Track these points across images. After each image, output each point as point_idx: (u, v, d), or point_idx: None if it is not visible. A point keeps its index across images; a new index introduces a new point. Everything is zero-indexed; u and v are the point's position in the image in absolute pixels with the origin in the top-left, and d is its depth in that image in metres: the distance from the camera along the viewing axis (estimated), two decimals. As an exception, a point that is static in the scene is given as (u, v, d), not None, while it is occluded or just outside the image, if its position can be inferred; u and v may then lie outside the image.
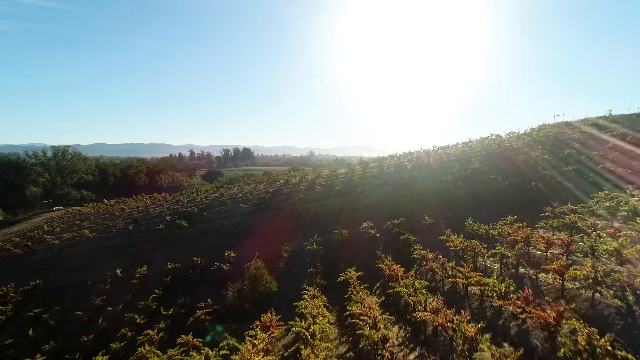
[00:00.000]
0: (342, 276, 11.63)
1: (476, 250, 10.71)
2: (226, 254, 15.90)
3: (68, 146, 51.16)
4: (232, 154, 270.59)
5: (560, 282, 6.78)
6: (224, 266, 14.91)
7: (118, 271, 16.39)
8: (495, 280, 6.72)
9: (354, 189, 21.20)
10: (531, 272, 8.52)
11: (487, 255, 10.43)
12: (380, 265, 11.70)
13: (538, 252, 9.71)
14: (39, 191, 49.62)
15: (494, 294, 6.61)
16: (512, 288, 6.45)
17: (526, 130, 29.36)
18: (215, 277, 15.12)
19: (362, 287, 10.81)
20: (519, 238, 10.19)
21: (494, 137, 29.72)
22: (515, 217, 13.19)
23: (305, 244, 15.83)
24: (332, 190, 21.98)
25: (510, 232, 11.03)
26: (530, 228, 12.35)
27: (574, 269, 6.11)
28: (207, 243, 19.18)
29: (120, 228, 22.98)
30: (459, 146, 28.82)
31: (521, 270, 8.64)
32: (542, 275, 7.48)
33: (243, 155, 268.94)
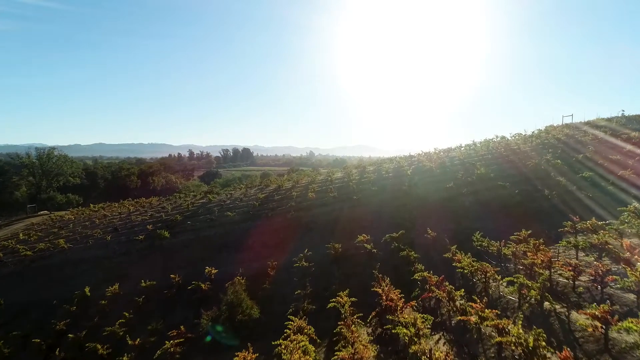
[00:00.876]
0: (332, 302, 10.23)
1: (488, 274, 9.30)
2: (206, 270, 14.45)
3: (54, 148, 49.41)
4: (232, 154, 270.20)
5: (603, 331, 5.36)
6: (202, 285, 13.44)
7: (87, 290, 14.91)
8: (521, 331, 5.29)
9: (349, 196, 19.78)
10: (558, 307, 7.10)
11: (501, 281, 9.01)
12: (376, 289, 10.28)
13: (563, 279, 8.28)
14: (25, 194, 48.05)
15: (519, 349, 5.18)
16: (542, 342, 5.01)
17: (533, 132, 27.97)
18: (193, 297, 13.66)
19: (355, 317, 9.39)
20: (539, 261, 8.77)
21: (499, 139, 28.31)
22: (529, 232, 11.77)
23: (295, 259, 14.40)
24: (326, 197, 20.56)
25: (528, 252, 9.61)
26: (547, 246, 10.96)
27: (629, 322, 4.70)
28: (189, 256, 17.73)
29: (98, 238, 21.49)
30: (462, 149, 27.41)
31: (546, 304, 7.22)
32: (577, 320, 6.06)
33: (242, 156, 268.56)
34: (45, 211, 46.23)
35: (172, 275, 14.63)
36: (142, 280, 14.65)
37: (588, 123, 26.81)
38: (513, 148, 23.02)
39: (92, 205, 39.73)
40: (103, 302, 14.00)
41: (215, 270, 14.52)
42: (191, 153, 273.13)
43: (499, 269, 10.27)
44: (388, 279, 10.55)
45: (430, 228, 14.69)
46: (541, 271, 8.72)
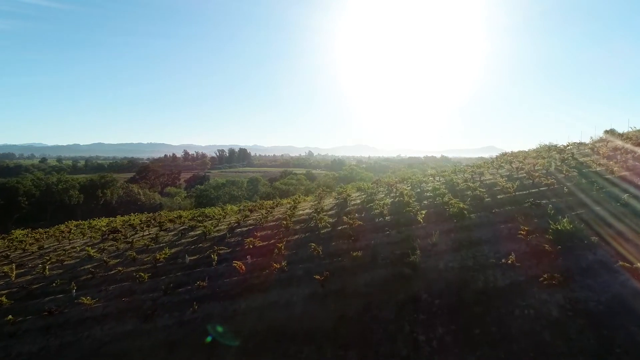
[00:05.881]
0: None
1: None
2: None
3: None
4: (227, 154, 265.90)
5: None
6: None
7: None
8: None
9: (310, 273, 11.05)
10: None
11: None
12: None
13: None
14: None
15: None
16: None
17: (607, 133, 19.36)
18: None
19: None
20: None
21: (553, 148, 19.64)
22: None
23: None
24: (269, 268, 11.83)
25: None
26: None
27: None
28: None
29: None
30: (501, 169, 18.65)
31: None
32: None
33: (239, 156, 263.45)
34: None
35: None
36: None
37: None
38: (597, 171, 14.39)
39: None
40: None
41: None
42: (186, 153, 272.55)
43: None
44: None
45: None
46: None
